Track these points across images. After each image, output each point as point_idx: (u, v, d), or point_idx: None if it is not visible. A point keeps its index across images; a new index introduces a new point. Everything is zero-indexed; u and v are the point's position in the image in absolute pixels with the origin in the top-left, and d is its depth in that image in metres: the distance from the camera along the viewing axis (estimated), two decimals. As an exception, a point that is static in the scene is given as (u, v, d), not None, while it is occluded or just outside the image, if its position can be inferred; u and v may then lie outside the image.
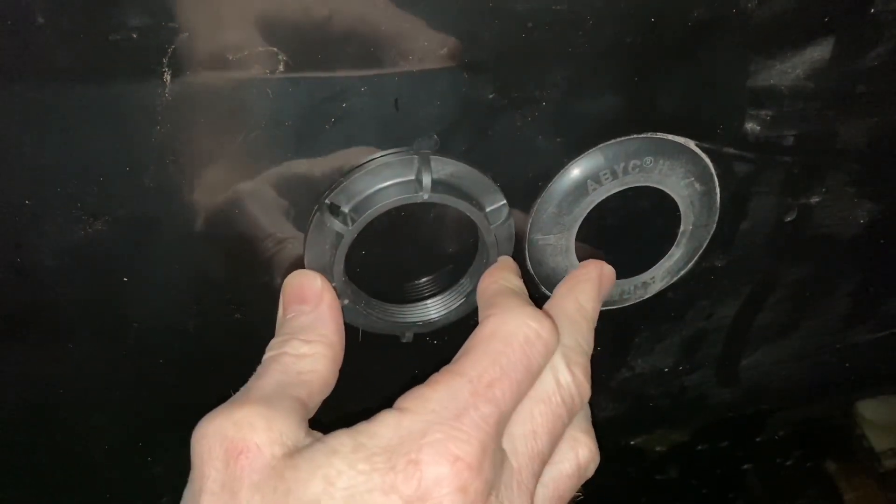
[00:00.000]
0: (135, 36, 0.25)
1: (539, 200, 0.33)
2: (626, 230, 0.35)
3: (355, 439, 0.26)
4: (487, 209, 0.32)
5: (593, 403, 0.44)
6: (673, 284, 0.38)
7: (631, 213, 0.35)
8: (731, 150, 0.34)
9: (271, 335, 0.35)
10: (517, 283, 0.32)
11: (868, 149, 0.36)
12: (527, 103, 0.30)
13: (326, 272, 0.31)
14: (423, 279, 0.35)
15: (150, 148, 0.28)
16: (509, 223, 0.33)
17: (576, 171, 0.32)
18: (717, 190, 0.35)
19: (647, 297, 0.38)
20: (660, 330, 0.41)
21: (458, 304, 0.35)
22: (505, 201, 0.32)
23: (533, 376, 0.29)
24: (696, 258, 0.37)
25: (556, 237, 0.34)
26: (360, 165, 0.30)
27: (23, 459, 0.37)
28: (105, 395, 0.35)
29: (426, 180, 0.29)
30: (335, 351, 0.30)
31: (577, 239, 0.34)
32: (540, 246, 0.34)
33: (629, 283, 0.37)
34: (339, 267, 0.31)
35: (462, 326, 0.36)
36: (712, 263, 0.38)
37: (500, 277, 0.32)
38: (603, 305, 0.37)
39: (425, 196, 0.29)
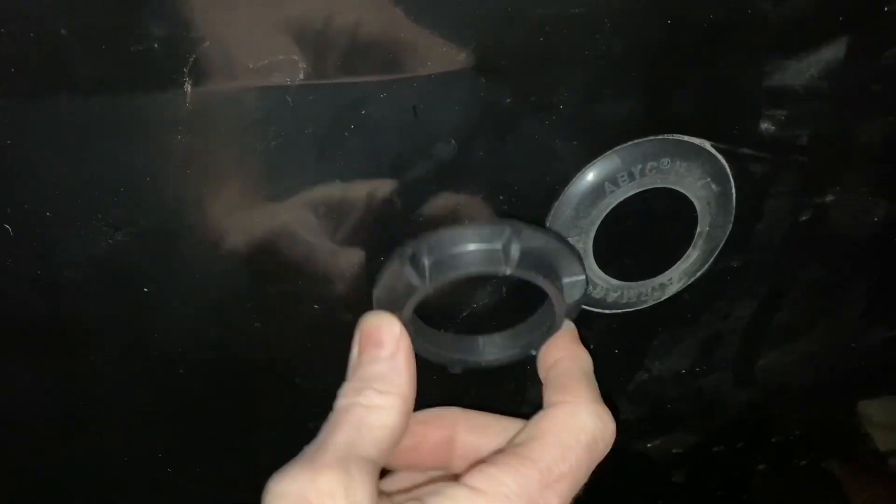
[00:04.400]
0: (156, 46, 0.25)
1: (556, 204, 0.33)
2: (643, 232, 0.35)
3: None
4: (564, 280, 0.31)
5: (611, 408, 0.44)
6: (690, 286, 0.38)
7: (648, 215, 0.35)
8: (747, 151, 0.34)
9: (291, 344, 0.35)
10: (587, 361, 0.33)
11: (883, 148, 0.36)
12: (544, 107, 0.30)
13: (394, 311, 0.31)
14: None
15: (171, 158, 0.28)
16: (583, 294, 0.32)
17: (593, 174, 0.32)
18: (733, 190, 0.35)
19: (664, 298, 0.38)
20: (677, 332, 0.41)
21: (513, 352, 0.35)
22: (584, 276, 0.31)
23: (588, 476, 0.29)
24: (712, 259, 0.37)
25: (574, 240, 0.34)
26: (451, 225, 0.30)
27: (45, 471, 0.37)
28: (126, 406, 0.35)
29: (514, 254, 0.29)
30: (408, 404, 0.30)
31: (595, 242, 0.34)
32: (557, 249, 0.34)
33: (646, 285, 0.37)
34: (409, 313, 0.30)
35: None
36: (729, 264, 0.38)
37: (573, 354, 0.33)
38: (620, 308, 0.37)
39: (508, 271, 0.30)
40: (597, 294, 0.36)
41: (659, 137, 0.32)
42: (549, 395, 0.31)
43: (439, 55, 0.28)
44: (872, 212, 0.39)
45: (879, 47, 0.32)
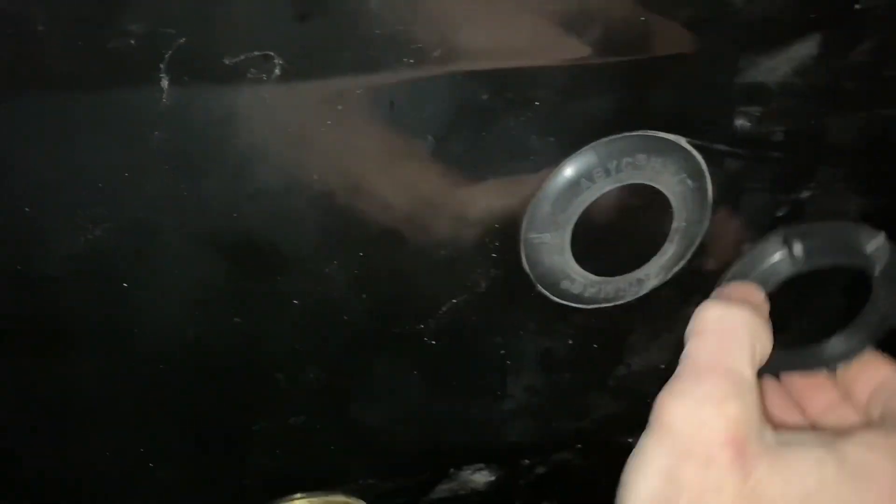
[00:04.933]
0: (132, 42, 0.25)
1: (534, 199, 0.34)
2: (620, 227, 0.36)
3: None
4: (867, 250, 0.35)
5: (590, 402, 0.45)
6: (668, 281, 0.38)
7: (625, 211, 0.35)
8: (722, 147, 0.34)
9: (272, 340, 0.35)
10: None
11: (856, 144, 0.36)
12: (520, 104, 0.31)
13: None
14: None
15: (149, 153, 0.28)
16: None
17: (569, 170, 0.33)
18: (709, 186, 0.35)
19: (641, 293, 0.38)
20: (656, 327, 0.41)
21: (824, 357, 0.38)
22: (883, 233, 0.34)
23: None
24: (689, 255, 0.37)
25: (552, 236, 0.34)
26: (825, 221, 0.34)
27: (23, 470, 0.37)
28: (106, 401, 0.35)
29: (882, 257, 0.34)
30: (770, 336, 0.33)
31: (572, 237, 0.35)
32: (535, 245, 0.35)
33: (624, 280, 0.37)
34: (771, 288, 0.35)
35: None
36: (706, 260, 0.39)
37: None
38: (598, 303, 0.38)
39: (877, 273, 0.34)
40: (574, 289, 0.36)
41: (634, 134, 0.33)
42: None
43: (416, 52, 0.28)
44: (847, 207, 0.39)
45: (851, 44, 0.33)
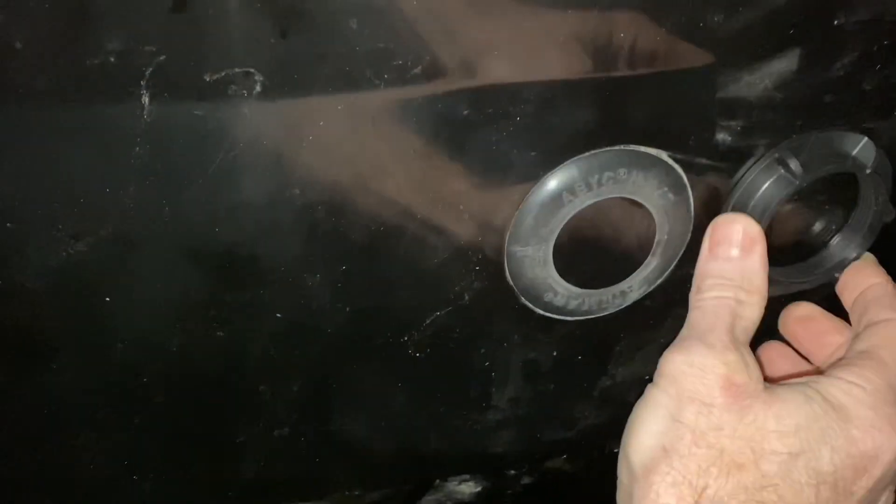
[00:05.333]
0: (112, 59, 0.25)
1: (517, 213, 0.34)
2: (602, 240, 0.36)
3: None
4: (853, 153, 0.36)
5: (575, 413, 0.45)
6: (651, 293, 0.38)
7: (607, 224, 0.35)
8: (704, 161, 0.35)
9: (254, 352, 0.35)
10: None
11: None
12: (501, 118, 0.31)
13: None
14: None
15: (130, 169, 0.28)
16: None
17: (551, 184, 0.33)
18: (691, 199, 0.35)
19: (625, 305, 0.38)
20: (639, 338, 0.41)
21: (824, 271, 0.40)
22: (865, 136, 0.36)
23: None
24: (672, 267, 0.38)
25: (534, 249, 0.35)
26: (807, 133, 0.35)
27: (6, 479, 0.37)
28: (89, 413, 0.35)
29: (873, 159, 0.35)
30: (765, 301, 0.35)
31: (555, 250, 0.35)
32: (518, 258, 0.35)
33: (607, 292, 0.37)
34: (769, 216, 0.35)
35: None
36: (689, 272, 0.39)
37: (887, 278, 0.39)
38: (582, 315, 0.38)
39: (868, 171, 0.35)
40: (558, 301, 0.37)
41: (616, 148, 0.33)
42: (875, 313, 0.37)
43: (396, 68, 0.28)
44: (828, 219, 0.39)
45: (830, 59, 0.33)
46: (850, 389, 0.34)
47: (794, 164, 0.34)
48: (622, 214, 0.35)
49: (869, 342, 0.36)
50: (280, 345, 0.35)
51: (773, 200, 0.35)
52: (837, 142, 0.36)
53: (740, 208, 0.36)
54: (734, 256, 0.35)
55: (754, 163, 0.35)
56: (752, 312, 0.34)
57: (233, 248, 0.31)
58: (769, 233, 0.37)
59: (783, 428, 0.32)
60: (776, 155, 0.35)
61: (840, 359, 0.37)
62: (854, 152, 0.35)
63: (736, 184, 0.36)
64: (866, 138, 0.35)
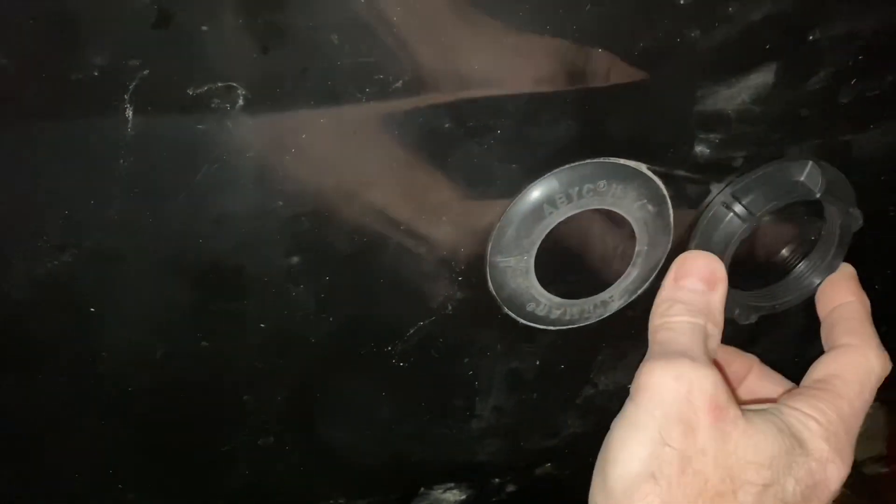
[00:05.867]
0: (96, 74, 0.26)
1: (498, 224, 0.34)
2: (583, 251, 0.36)
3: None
4: (851, 210, 0.38)
5: (559, 422, 0.45)
6: (632, 303, 0.39)
7: (588, 235, 0.36)
8: (683, 173, 0.35)
9: (239, 362, 0.35)
10: (868, 304, 0.39)
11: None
12: (482, 131, 0.31)
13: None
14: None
15: (114, 181, 0.28)
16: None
17: (532, 196, 0.33)
18: (670, 211, 0.36)
19: (606, 315, 0.39)
20: (621, 347, 0.42)
21: (801, 293, 0.41)
22: (810, 161, 0.36)
23: None
24: (652, 277, 0.38)
25: (516, 259, 0.35)
26: (756, 169, 0.36)
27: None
28: (74, 424, 0.35)
29: (821, 183, 0.36)
30: (720, 337, 0.36)
31: (537, 260, 0.35)
32: (501, 268, 0.35)
33: (589, 302, 0.38)
34: (731, 252, 0.36)
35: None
36: (669, 282, 0.39)
37: (861, 298, 0.39)
38: (564, 324, 0.38)
39: (818, 195, 0.36)
40: (540, 311, 0.37)
41: (595, 161, 0.33)
42: (837, 336, 0.38)
43: (377, 82, 0.28)
44: (805, 230, 0.40)
45: (806, 74, 0.34)
46: (806, 422, 0.34)
47: (738, 208, 0.35)
48: (603, 226, 0.36)
49: (826, 370, 0.37)
50: (264, 355, 0.35)
51: (731, 239, 0.36)
52: (784, 172, 0.36)
53: (704, 244, 0.37)
54: (700, 290, 0.35)
55: (710, 202, 0.36)
56: (715, 345, 0.35)
57: (216, 259, 0.32)
58: (742, 257, 0.38)
59: (760, 459, 0.33)
60: (722, 200, 0.35)
61: (800, 386, 0.37)
62: (802, 178, 0.36)
63: (696, 222, 0.36)
64: (811, 163, 0.36)
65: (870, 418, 0.38)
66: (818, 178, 0.36)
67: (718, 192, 0.36)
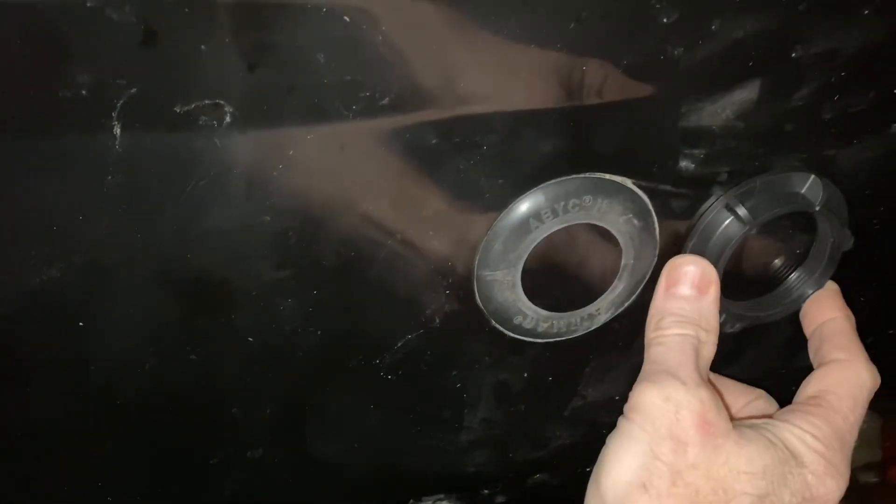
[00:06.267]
0: (84, 92, 0.26)
1: (485, 238, 0.34)
2: (570, 265, 0.37)
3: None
4: (802, 191, 0.37)
5: (547, 433, 0.45)
6: (618, 315, 0.39)
7: (574, 249, 0.36)
8: (668, 188, 0.35)
9: (227, 375, 0.35)
10: (853, 320, 0.39)
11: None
12: (469, 147, 0.31)
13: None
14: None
15: (102, 197, 0.29)
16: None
17: (518, 211, 0.34)
18: (656, 225, 0.36)
19: (593, 328, 0.39)
20: (609, 359, 0.42)
21: (791, 302, 0.41)
22: (812, 174, 0.37)
23: None
24: (639, 290, 0.38)
25: (503, 273, 0.35)
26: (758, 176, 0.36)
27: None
28: (63, 437, 0.36)
29: (821, 197, 0.36)
30: (717, 340, 0.36)
31: (523, 274, 0.35)
32: (488, 282, 0.36)
33: (576, 315, 0.38)
34: (727, 256, 0.37)
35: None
36: (656, 295, 0.40)
37: (846, 314, 0.39)
38: (552, 337, 0.38)
39: (817, 208, 0.36)
40: (527, 324, 0.37)
41: (581, 176, 0.34)
42: (826, 352, 0.38)
43: (364, 99, 0.29)
44: (790, 244, 0.40)
45: (790, 90, 0.34)
46: (803, 437, 0.35)
47: (741, 211, 0.35)
48: (589, 240, 0.36)
49: (818, 386, 0.37)
50: (252, 368, 0.35)
51: (729, 243, 0.36)
52: (786, 182, 0.37)
53: (699, 250, 0.37)
54: (691, 296, 0.36)
55: (708, 207, 0.36)
56: (710, 351, 0.36)
57: (204, 273, 0.32)
58: (731, 268, 0.38)
59: (753, 470, 0.33)
60: (725, 202, 0.36)
61: (793, 403, 0.38)
62: (803, 191, 0.37)
63: (694, 225, 0.37)
64: (813, 176, 0.36)
65: (864, 426, 0.38)
66: (819, 191, 0.36)
67: (720, 196, 0.36)
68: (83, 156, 0.27)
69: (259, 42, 0.26)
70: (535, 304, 0.37)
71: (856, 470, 0.68)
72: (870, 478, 0.75)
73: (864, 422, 0.38)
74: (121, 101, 0.26)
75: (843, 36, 0.33)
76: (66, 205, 0.29)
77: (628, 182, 0.34)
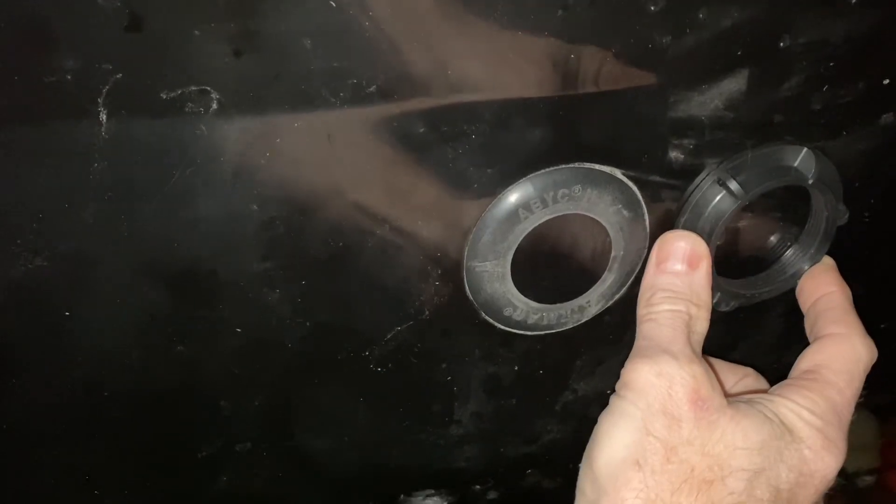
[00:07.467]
0: (69, 77, 0.26)
1: (475, 229, 0.34)
2: (560, 256, 0.37)
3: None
4: (839, 206, 0.38)
5: (538, 427, 0.45)
6: (609, 308, 0.39)
7: (564, 240, 0.36)
8: (657, 178, 0.35)
9: (214, 367, 0.35)
10: (850, 294, 0.39)
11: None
12: (457, 136, 0.31)
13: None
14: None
15: (88, 185, 0.28)
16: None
17: (507, 201, 0.34)
18: (646, 216, 0.36)
19: (584, 320, 0.39)
20: (599, 352, 0.42)
21: (783, 284, 0.41)
22: (805, 147, 0.36)
23: None
24: (629, 282, 0.38)
25: (493, 264, 0.35)
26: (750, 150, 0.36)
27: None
28: (49, 429, 0.35)
29: (814, 170, 0.36)
30: (710, 315, 0.36)
31: (513, 265, 0.35)
32: (477, 273, 0.35)
33: (566, 307, 0.38)
34: (720, 231, 0.36)
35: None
36: (646, 287, 0.39)
37: (842, 288, 0.39)
38: (542, 330, 0.38)
39: (811, 182, 0.36)
40: (517, 316, 0.37)
41: (570, 166, 0.34)
42: (822, 326, 0.38)
43: (351, 87, 0.29)
44: (781, 235, 0.40)
45: (778, 80, 0.34)
46: (799, 411, 0.34)
47: (733, 185, 0.35)
48: (578, 231, 0.36)
49: (814, 360, 0.37)
50: (240, 360, 0.35)
51: (721, 217, 0.36)
52: (779, 155, 0.36)
53: (691, 225, 0.37)
54: (681, 271, 0.35)
55: (700, 182, 0.36)
56: (702, 326, 0.35)
57: (191, 263, 0.32)
58: (726, 246, 0.38)
59: (749, 445, 0.33)
60: (717, 177, 0.36)
61: (788, 378, 0.37)
62: (795, 164, 0.36)
63: (685, 201, 0.36)
64: (806, 149, 0.36)
65: (862, 430, 0.38)
66: (812, 165, 0.36)
67: (710, 171, 0.36)
68: (68, 143, 0.27)
69: (245, 27, 0.26)
70: (525, 296, 0.37)
71: (853, 474, 0.68)
72: (869, 481, 0.75)
73: (862, 427, 0.38)
74: (106, 87, 0.26)
75: (832, 26, 0.33)
76: (51, 193, 0.29)
77: (618, 172, 0.34)
